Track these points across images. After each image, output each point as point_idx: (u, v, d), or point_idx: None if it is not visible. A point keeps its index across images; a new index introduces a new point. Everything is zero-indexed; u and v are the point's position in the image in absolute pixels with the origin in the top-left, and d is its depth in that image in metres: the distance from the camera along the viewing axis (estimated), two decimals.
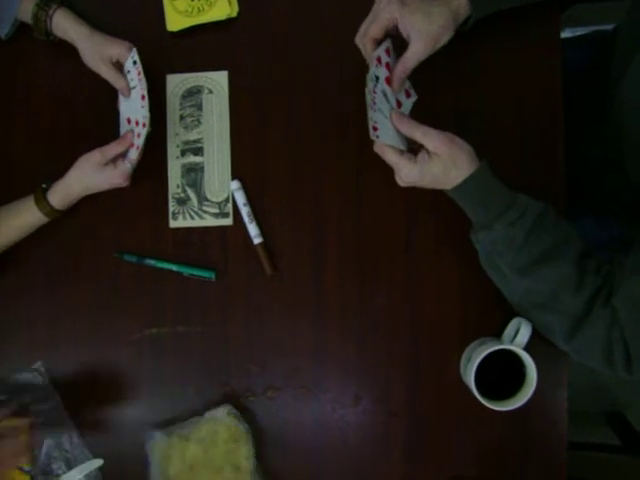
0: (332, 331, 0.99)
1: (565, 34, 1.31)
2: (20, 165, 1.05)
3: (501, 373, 0.92)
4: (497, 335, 0.96)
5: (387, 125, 0.86)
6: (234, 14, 1.03)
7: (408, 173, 0.85)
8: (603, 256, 0.86)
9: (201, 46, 1.04)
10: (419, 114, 0.90)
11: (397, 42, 0.88)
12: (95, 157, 0.94)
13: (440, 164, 0.83)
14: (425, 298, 0.98)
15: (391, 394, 0.98)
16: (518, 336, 0.89)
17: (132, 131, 0.96)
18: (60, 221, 1.01)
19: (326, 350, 0.99)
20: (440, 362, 0.97)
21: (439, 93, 0.99)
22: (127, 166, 0.95)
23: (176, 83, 1.04)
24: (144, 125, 0.94)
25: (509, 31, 0.99)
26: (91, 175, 0.95)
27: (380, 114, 0.86)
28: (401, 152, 0.86)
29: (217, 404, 0.98)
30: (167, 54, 1.04)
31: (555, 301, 0.83)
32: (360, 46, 0.90)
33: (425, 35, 0.85)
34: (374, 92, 0.85)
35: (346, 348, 0.99)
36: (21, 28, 1.03)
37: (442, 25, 0.85)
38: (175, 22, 1.03)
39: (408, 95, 0.92)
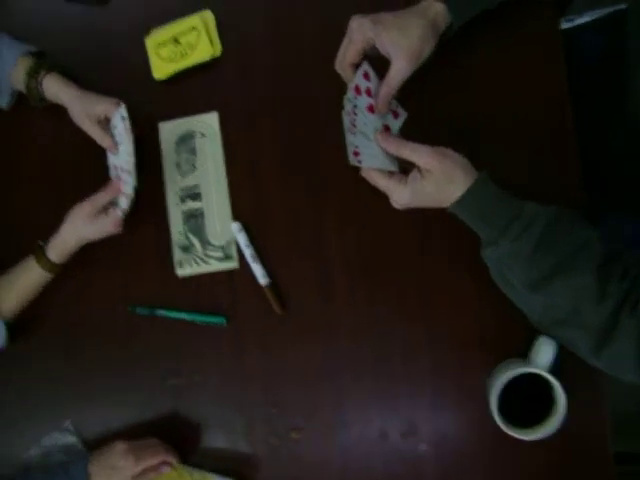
0: (348, 364, 0.96)
1: (583, 19, 1.24)
2: (23, 222, 1.07)
3: (532, 396, 0.87)
4: (525, 354, 0.90)
5: (372, 147, 0.82)
6: (218, 53, 1.02)
7: (400, 195, 0.81)
8: (637, 256, 0.78)
9: (189, 90, 1.04)
10: (411, 130, 0.86)
11: (379, 61, 0.84)
12: (85, 208, 0.96)
13: (433, 181, 0.78)
14: (442, 320, 0.94)
15: (417, 426, 0.94)
16: (540, 357, 0.84)
17: (119, 178, 0.96)
18: (69, 276, 1.02)
19: (344, 385, 0.96)
20: (466, 387, 0.93)
21: (431, 104, 0.96)
22: (118, 214, 0.96)
23: (169, 130, 1.03)
24: (129, 173, 0.94)
25: (500, 28, 0.94)
26: (84, 226, 0.96)
27: (362, 137, 0.82)
28: (390, 174, 0.82)
29: (241, 450, 0.97)
30: (157, 102, 1.04)
31: (576, 315, 0.76)
32: (340, 72, 0.87)
33: (405, 50, 0.81)
34: (354, 114, 0.81)
35: (364, 380, 0.95)
36: (21, 96, 1.05)
37: (421, 37, 0.81)
38: (161, 70, 1.03)
39: (396, 115, 0.88)
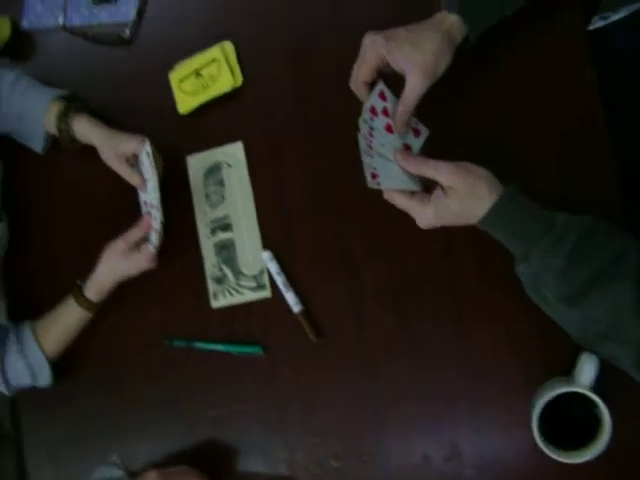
0: (386, 389, 0.94)
1: (618, 15, 1.19)
2: (62, 263, 1.10)
3: (580, 414, 0.84)
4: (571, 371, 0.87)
5: (392, 168, 0.81)
6: (239, 84, 1.02)
7: (423, 216, 0.80)
8: None
9: (214, 121, 1.05)
10: (433, 146, 0.85)
11: (395, 79, 0.82)
12: (119, 246, 0.98)
13: (457, 199, 0.76)
14: (480, 340, 0.91)
15: (461, 450, 0.91)
16: (583, 375, 0.81)
17: (149, 214, 0.98)
18: (108, 313, 1.05)
19: (383, 410, 0.94)
20: (510, 408, 0.90)
21: (453, 117, 0.93)
22: (150, 249, 0.97)
23: (196, 163, 1.04)
24: (157, 208, 0.95)
25: (520, 35, 0.92)
26: (118, 263, 0.98)
27: (380, 158, 0.80)
28: (412, 194, 0.80)
29: (282, 478, 0.97)
30: (184, 136, 1.06)
31: (616, 330, 0.72)
32: (355, 91, 0.85)
33: (420, 66, 0.78)
34: (370, 135, 0.80)
35: (403, 404, 0.94)
36: (55, 140, 1.07)
37: (435, 51, 0.79)
38: (185, 104, 1.04)
39: (417, 133, 0.85)
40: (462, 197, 0.76)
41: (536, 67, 0.92)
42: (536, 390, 0.87)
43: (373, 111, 0.81)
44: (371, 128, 0.80)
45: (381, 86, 0.82)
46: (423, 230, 0.82)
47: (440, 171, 0.77)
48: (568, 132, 0.90)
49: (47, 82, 1.09)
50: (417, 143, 0.85)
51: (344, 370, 0.96)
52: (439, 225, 0.80)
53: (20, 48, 1.14)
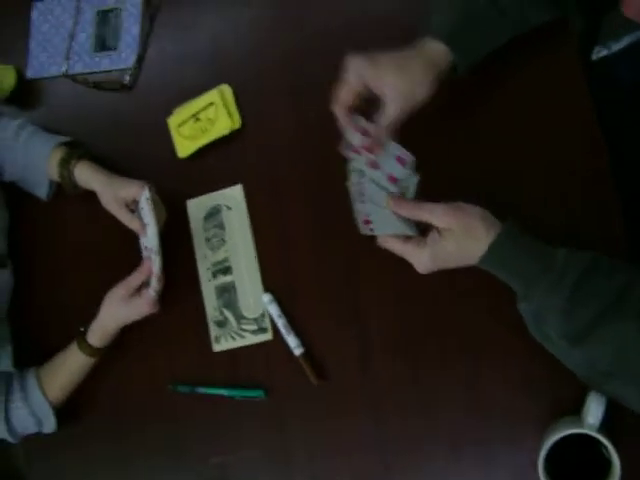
0: (393, 434, 0.92)
1: (621, 44, 1.17)
2: (67, 308, 1.10)
3: (589, 456, 0.81)
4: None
5: (385, 214, 0.80)
6: (237, 126, 1.02)
7: (419, 260, 0.78)
8: None
9: (213, 165, 1.05)
10: (428, 187, 0.81)
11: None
12: (120, 291, 0.98)
13: (453, 240, 0.75)
14: (491, 385, 0.89)
15: None
16: (589, 416, 0.78)
17: (150, 258, 0.97)
18: (113, 358, 1.04)
19: (392, 453, 0.92)
20: (517, 453, 0.87)
21: (448, 154, 0.92)
22: (151, 294, 0.97)
23: (196, 207, 1.04)
24: (156, 253, 0.95)
25: (512, 67, 0.91)
26: (120, 309, 0.98)
27: (372, 205, 0.79)
28: (407, 239, 0.79)
29: None
30: (184, 180, 1.06)
31: (623, 368, 0.70)
32: (336, 114, 0.83)
33: (400, 92, 0.77)
34: (360, 183, 0.79)
35: (410, 455, 0.92)
36: (59, 186, 1.09)
37: (417, 80, 0.78)
38: (184, 148, 1.04)
39: (402, 162, 0.81)
40: (458, 238, 0.75)
41: (529, 99, 0.91)
42: (545, 431, 0.85)
43: (356, 150, 0.80)
44: (361, 176, 0.79)
45: (362, 123, 0.81)
46: (431, 277, 0.81)
47: (435, 213, 0.76)
48: (569, 164, 0.88)
49: (51, 129, 1.11)
50: (405, 175, 0.81)
51: (349, 414, 0.94)
52: (437, 269, 0.79)
53: (25, 96, 1.16)
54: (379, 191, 0.80)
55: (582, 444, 0.79)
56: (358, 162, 0.80)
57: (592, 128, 0.88)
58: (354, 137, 0.80)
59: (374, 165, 0.81)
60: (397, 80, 0.77)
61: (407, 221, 0.80)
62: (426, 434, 0.91)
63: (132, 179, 1.00)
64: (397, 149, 0.82)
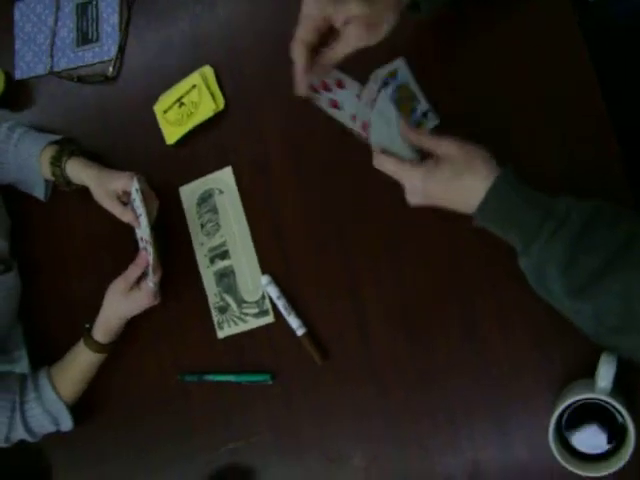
0: (401, 410, 0.90)
1: None
2: (74, 305, 1.10)
3: (605, 419, 0.77)
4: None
5: (388, 130, 0.75)
6: (221, 107, 1.00)
7: (411, 182, 0.74)
8: None
9: (202, 149, 1.03)
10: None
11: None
12: (119, 285, 0.97)
13: (451, 168, 0.71)
14: (493, 346, 0.85)
15: (483, 468, 0.86)
16: (599, 379, 0.74)
17: (146, 250, 0.96)
18: (122, 353, 1.05)
19: (401, 432, 0.90)
20: (530, 420, 0.83)
21: (440, 96, 0.88)
22: (150, 285, 0.96)
23: (189, 193, 1.03)
24: (150, 243, 0.94)
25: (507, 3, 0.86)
26: (120, 303, 0.98)
27: (378, 115, 0.75)
28: (403, 160, 0.75)
29: None
30: (175, 167, 1.04)
31: (632, 321, 0.65)
32: (293, 54, 0.76)
33: (365, 22, 0.71)
34: (370, 105, 0.74)
35: (420, 425, 0.89)
36: (55, 184, 1.08)
37: (384, 13, 0.72)
38: (172, 135, 1.02)
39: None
40: (457, 167, 0.71)
41: (524, 38, 0.86)
42: (557, 396, 0.81)
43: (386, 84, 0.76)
44: (374, 98, 0.75)
45: (398, 63, 0.78)
46: (428, 239, 0.78)
47: (441, 142, 0.72)
48: (566, 105, 0.83)
49: (43, 127, 1.11)
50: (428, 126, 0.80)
51: (356, 390, 0.92)
52: (428, 201, 0.75)
53: (15, 98, 1.16)
54: (392, 110, 0.75)
55: (597, 407, 0.75)
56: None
57: (585, 68, 0.82)
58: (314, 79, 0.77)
59: (334, 105, 0.77)
60: (364, 9, 0.71)
61: (411, 146, 0.76)
62: (433, 404, 0.88)
63: (121, 171, 0.99)
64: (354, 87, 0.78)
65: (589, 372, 0.78)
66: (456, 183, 0.71)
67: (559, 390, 0.81)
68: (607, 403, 0.73)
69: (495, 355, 0.85)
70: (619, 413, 0.74)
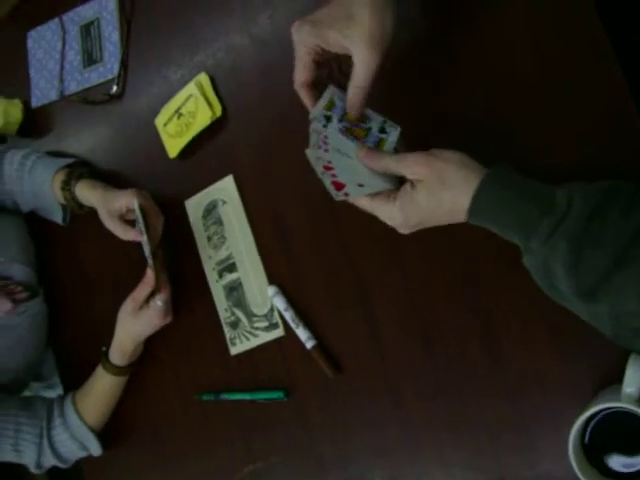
0: (420, 425, 0.82)
1: None
2: (100, 329, 1.08)
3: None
4: None
5: (358, 171, 0.68)
6: (218, 114, 0.96)
7: (389, 216, 0.67)
8: None
9: (203, 159, 0.99)
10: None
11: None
12: (128, 306, 0.95)
13: (426, 192, 0.63)
14: (513, 355, 0.76)
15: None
16: (625, 386, 0.63)
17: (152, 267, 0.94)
18: (144, 375, 1.03)
19: (421, 448, 0.82)
20: (558, 433, 0.72)
21: (429, 95, 0.80)
22: (158, 304, 0.93)
23: (194, 206, 0.99)
24: (150, 261, 0.92)
25: None
26: (132, 324, 0.96)
27: (345, 169, 0.68)
28: (376, 194, 0.68)
29: None
30: (178, 181, 1.01)
31: None
32: (300, 96, 0.72)
33: (362, 38, 0.65)
34: (325, 144, 0.68)
35: (441, 441, 0.81)
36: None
37: (372, 14, 0.64)
38: (173, 147, 1.00)
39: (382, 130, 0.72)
40: (432, 189, 0.63)
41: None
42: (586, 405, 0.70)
43: (328, 119, 0.70)
44: (325, 137, 0.69)
45: (332, 90, 0.72)
46: (440, 242, 0.71)
47: (403, 163, 0.65)
48: (571, 79, 0.72)
49: (60, 153, 1.12)
50: (390, 140, 0.72)
51: (371, 401, 0.85)
52: (416, 227, 0.67)
53: (33, 126, 1.17)
54: (347, 142, 0.69)
55: (632, 417, 0.65)
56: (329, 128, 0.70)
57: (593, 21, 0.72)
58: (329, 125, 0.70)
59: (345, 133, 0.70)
60: (354, 27, 0.65)
61: (383, 175, 0.68)
62: (452, 418, 0.80)
63: (123, 190, 0.97)
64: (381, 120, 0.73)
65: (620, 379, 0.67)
66: (439, 206, 0.64)
67: (586, 399, 0.71)
68: (636, 412, 0.63)
69: (517, 365, 0.76)
70: None
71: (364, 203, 0.69)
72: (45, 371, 1.18)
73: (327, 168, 0.68)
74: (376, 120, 0.73)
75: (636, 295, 0.54)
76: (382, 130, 0.73)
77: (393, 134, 0.72)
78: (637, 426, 0.64)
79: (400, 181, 0.68)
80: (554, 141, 0.73)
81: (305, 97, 0.72)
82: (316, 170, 0.69)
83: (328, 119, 0.69)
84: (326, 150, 0.69)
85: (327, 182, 0.68)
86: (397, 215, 0.67)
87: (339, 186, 0.68)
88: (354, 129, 0.70)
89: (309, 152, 0.69)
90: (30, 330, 1.08)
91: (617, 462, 0.66)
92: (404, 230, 0.69)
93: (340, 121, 0.70)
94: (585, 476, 0.64)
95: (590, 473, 0.64)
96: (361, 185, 0.68)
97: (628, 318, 0.56)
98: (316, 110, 0.69)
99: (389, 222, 0.68)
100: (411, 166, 0.64)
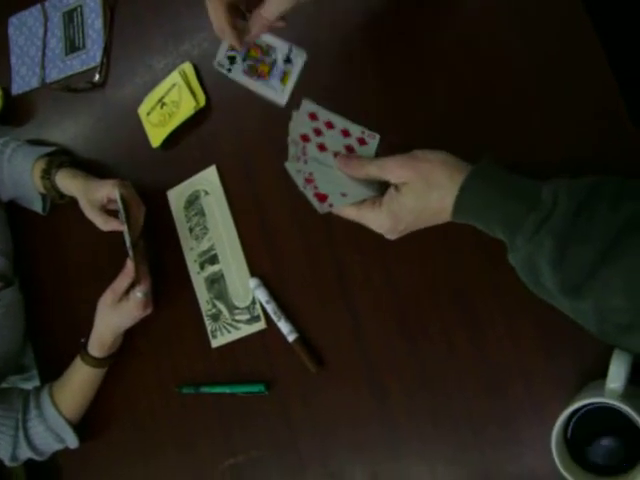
0: (402, 418, 0.81)
1: None
2: (78, 320, 1.06)
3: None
4: None
5: (339, 184, 0.68)
6: (202, 103, 0.95)
7: (377, 223, 0.67)
8: None
9: (187, 149, 0.98)
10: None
11: None
12: (108, 297, 0.94)
13: (410, 193, 0.63)
14: (497, 348, 0.76)
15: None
16: (608, 381, 0.63)
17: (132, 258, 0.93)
18: (124, 367, 1.02)
19: (403, 443, 0.81)
20: (543, 428, 0.72)
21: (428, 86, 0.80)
22: (137, 295, 0.92)
23: (176, 196, 0.98)
24: (130, 252, 0.91)
25: None
26: (111, 315, 0.94)
27: (325, 181, 0.68)
28: (362, 202, 0.67)
29: None
30: (161, 170, 1.00)
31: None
32: (222, 37, 0.71)
33: None
34: (304, 157, 0.68)
35: (424, 435, 0.80)
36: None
37: None
38: (156, 137, 0.98)
39: (362, 142, 0.71)
40: (417, 191, 0.63)
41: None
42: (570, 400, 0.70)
43: (305, 138, 0.69)
44: (304, 154, 0.69)
45: (308, 107, 0.70)
46: (424, 237, 0.70)
47: (385, 168, 0.65)
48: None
49: (41, 141, 1.10)
50: (371, 148, 0.71)
51: (353, 396, 0.85)
52: (405, 231, 0.67)
53: (14, 113, 1.15)
54: (326, 155, 0.69)
55: (615, 413, 0.64)
56: (311, 147, 0.69)
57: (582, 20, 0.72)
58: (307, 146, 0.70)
59: (322, 149, 0.70)
60: None
61: (365, 182, 0.68)
62: (437, 411, 0.79)
63: (105, 180, 0.95)
64: (359, 130, 0.71)
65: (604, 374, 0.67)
66: (426, 207, 0.63)
67: (573, 392, 0.70)
68: (619, 408, 0.62)
69: (502, 360, 0.75)
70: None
71: (350, 213, 0.69)
72: (27, 362, 1.16)
73: (308, 181, 0.68)
74: (281, 49, 0.72)
75: (621, 290, 0.54)
76: (288, 60, 0.72)
77: (299, 61, 0.71)
78: (619, 421, 0.64)
79: (383, 186, 0.68)
80: (542, 139, 0.73)
81: (230, 38, 0.70)
82: (297, 183, 0.68)
83: (232, 60, 0.69)
84: (305, 161, 0.68)
85: (310, 195, 0.68)
86: (385, 221, 0.66)
87: (322, 197, 0.68)
88: (259, 66, 0.70)
89: (288, 165, 0.68)
90: (5, 319, 1.06)
91: (599, 456, 0.66)
92: (392, 235, 0.68)
93: (244, 60, 0.69)
94: (567, 470, 0.63)
95: (572, 467, 0.64)
96: (344, 195, 0.68)
97: (612, 314, 0.56)
98: (219, 54, 0.69)
99: (377, 229, 0.68)
100: (394, 170, 0.64)
